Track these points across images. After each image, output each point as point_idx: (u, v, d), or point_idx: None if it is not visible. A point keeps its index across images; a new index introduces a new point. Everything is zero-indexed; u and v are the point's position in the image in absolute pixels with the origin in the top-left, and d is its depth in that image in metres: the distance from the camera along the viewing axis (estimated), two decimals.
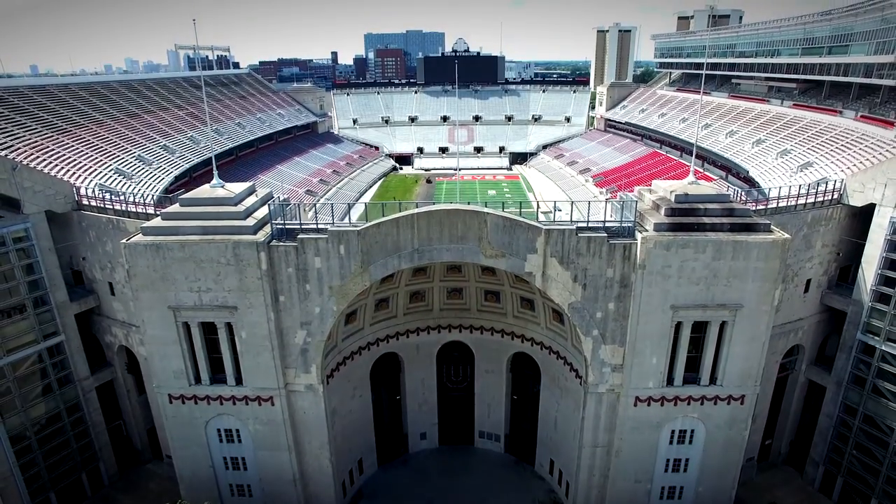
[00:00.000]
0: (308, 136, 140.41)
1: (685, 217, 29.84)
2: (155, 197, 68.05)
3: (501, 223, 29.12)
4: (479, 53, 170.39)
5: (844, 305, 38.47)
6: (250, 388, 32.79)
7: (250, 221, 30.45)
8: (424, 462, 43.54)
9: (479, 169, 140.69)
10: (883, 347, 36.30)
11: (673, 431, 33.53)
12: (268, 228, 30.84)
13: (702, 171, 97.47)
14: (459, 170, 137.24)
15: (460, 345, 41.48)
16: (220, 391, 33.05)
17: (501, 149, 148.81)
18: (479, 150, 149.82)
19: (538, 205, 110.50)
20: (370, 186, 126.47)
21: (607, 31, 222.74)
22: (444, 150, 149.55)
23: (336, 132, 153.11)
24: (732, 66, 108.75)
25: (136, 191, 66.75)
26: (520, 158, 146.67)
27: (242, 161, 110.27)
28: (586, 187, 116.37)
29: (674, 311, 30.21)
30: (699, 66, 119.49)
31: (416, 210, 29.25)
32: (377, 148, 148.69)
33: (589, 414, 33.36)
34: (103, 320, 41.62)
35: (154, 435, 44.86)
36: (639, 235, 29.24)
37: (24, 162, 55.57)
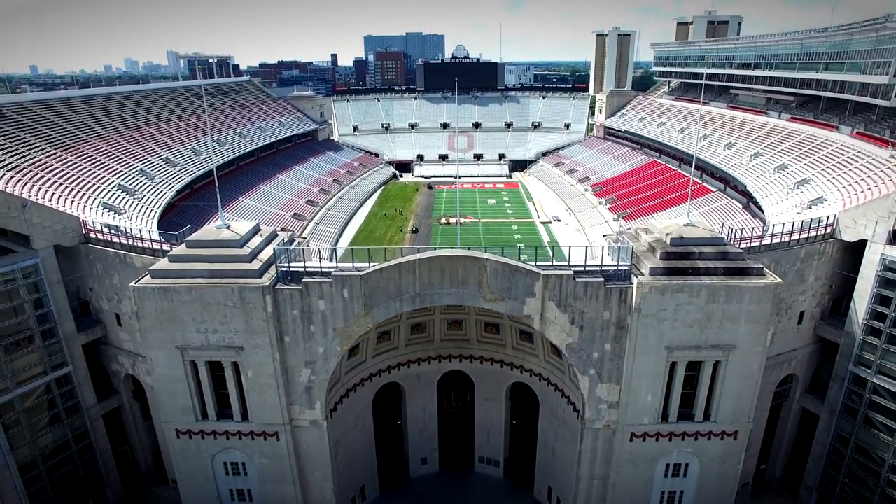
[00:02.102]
0: (308, 144, 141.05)
1: (680, 261, 30.61)
2: (157, 213, 69.14)
3: (501, 268, 29.84)
4: (478, 60, 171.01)
5: (837, 337, 39.28)
6: (256, 424, 33.60)
7: (256, 264, 31.20)
8: (425, 487, 44.37)
9: (478, 177, 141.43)
10: (874, 380, 37.13)
11: (668, 465, 34.38)
12: (273, 270, 31.58)
13: (700, 182, 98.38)
14: (459, 177, 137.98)
15: (460, 373, 42.28)
16: (227, 426, 33.86)
17: (501, 156, 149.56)
18: (478, 157, 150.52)
19: (538, 215, 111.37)
20: (370, 195, 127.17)
21: (606, 35, 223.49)
22: (443, 157, 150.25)
23: (336, 139, 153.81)
24: (731, 77, 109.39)
25: (138, 207, 67.69)
26: (519, 166, 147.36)
27: (243, 171, 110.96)
28: (586, 197, 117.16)
29: (668, 351, 31.01)
30: (698, 75, 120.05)
31: (417, 256, 29.97)
32: (377, 155, 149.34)
33: (586, 448, 34.18)
34: (110, 349, 42.39)
35: (159, 458, 45.71)
36: (635, 280, 30.01)
37: (30, 183, 56.61)
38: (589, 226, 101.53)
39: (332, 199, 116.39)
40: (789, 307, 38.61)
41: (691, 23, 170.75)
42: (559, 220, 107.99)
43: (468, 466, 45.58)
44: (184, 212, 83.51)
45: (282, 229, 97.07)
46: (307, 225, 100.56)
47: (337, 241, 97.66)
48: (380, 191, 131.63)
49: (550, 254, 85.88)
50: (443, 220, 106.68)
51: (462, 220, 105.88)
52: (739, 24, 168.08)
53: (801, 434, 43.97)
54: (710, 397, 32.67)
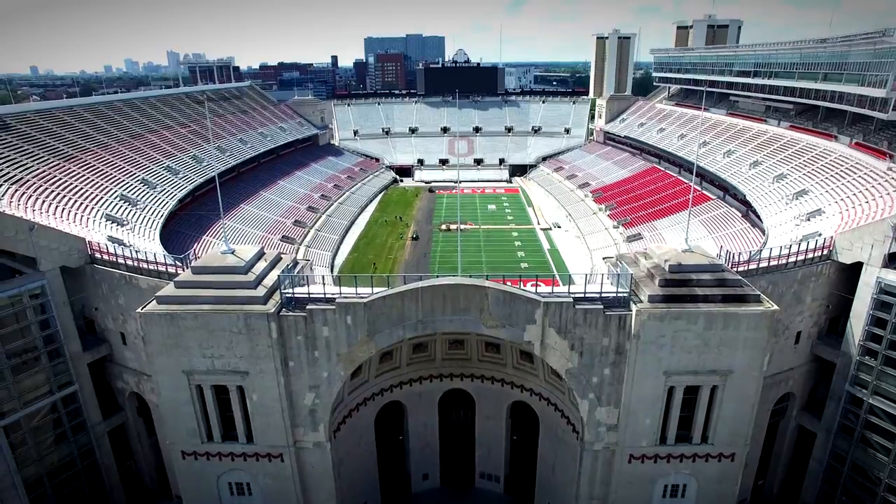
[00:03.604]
0: (309, 149, 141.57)
1: (678, 288, 31.07)
2: (159, 224, 69.63)
3: (502, 296, 30.32)
4: (479, 64, 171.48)
5: (833, 357, 39.78)
6: (260, 446, 34.09)
7: (260, 291, 31.65)
8: (427, 502, 44.91)
9: (479, 181, 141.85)
10: (870, 401, 37.64)
11: (666, 486, 34.87)
12: (277, 296, 32.03)
13: (700, 189, 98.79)
14: (459, 182, 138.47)
15: (462, 391, 42.77)
16: (232, 448, 34.35)
17: (501, 161, 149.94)
18: (479, 162, 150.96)
19: (538, 221, 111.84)
20: (371, 201, 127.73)
21: (606, 37, 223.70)
22: (444, 161, 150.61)
23: (337, 143, 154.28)
24: (730, 84, 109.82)
25: (141, 218, 68.20)
26: (519, 170, 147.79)
27: (244, 178, 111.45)
28: (585, 203, 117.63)
29: (667, 376, 31.50)
30: (698, 81, 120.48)
31: (420, 284, 30.45)
32: (378, 160, 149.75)
33: (585, 469, 34.70)
34: (115, 367, 42.90)
35: (164, 473, 46.20)
36: (634, 307, 30.48)
37: (35, 196, 57.19)
38: (589, 233, 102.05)
39: (333, 205, 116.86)
40: (786, 328, 39.11)
41: (691, 27, 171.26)
42: (559, 227, 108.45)
43: (469, 482, 46.10)
44: (186, 221, 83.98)
45: (283, 237, 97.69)
46: (308, 232, 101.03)
47: (337, 248, 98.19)
48: (380, 196, 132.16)
49: (552, 267, 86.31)
50: (443, 227, 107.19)
51: (462, 226, 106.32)
52: (739, 28, 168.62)
53: (798, 451, 44.49)
54: (707, 420, 33.15)
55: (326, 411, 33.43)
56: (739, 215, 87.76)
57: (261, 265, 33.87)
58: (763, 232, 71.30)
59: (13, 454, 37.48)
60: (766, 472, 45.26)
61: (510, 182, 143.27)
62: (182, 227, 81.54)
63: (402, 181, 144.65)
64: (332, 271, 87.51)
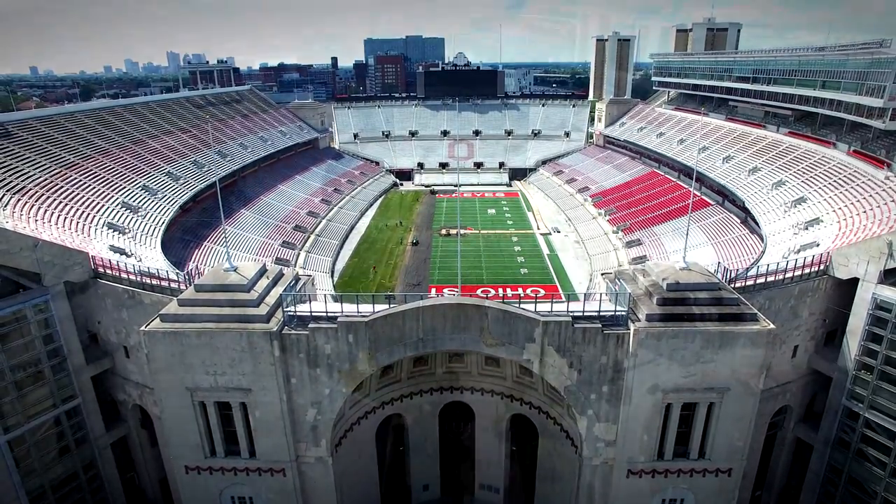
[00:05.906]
0: (309, 153, 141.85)
1: (676, 307, 31.42)
2: (160, 231, 70.01)
3: (501, 316, 30.69)
4: (478, 67, 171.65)
5: (830, 371, 40.16)
6: (263, 461, 34.44)
7: (263, 309, 32.00)
8: None
9: (478, 185, 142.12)
10: (866, 415, 38.03)
11: (664, 500, 35.22)
12: (279, 314, 32.38)
13: (699, 194, 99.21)
14: (459, 186, 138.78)
15: (462, 404, 43.12)
16: (235, 463, 34.69)
17: (501, 164, 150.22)
18: (478, 165, 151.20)
19: (538, 226, 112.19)
20: (371, 205, 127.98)
21: (606, 39, 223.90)
22: (444, 165, 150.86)
23: (337, 147, 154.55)
24: (729, 90, 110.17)
25: (142, 225, 68.58)
26: (519, 174, 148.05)
27: (244, 182, 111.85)
28: (585, 207, 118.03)
29: (664, 394, 31.86)
30: (697, 86, 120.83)
31: (421, 303, 30.82)
32: (378, 163, 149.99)
33: (584, 483, 35.10)
34: (118, 380, 43.24)
35: (166, 485, 46.53)
36: (632, 326, 30.85)
37: (37, 205, 57.55)
38: (588, 238, 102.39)
39: (333, 209, 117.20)
40: (783, 342, 39.47)
41: (690, 30, 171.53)
42: (559, 232, 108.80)
43: (469, 492, 46.44)
44: (187, 226, 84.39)
45: (284, 243, 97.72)
46: (309, 237, 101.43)
47: (338, 253, 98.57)
48: (380, 200, 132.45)
49: (552, 273, 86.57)
50: (443, 232, 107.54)
51: (462, 231, 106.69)
52: (738, 31, 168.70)
53: (795, 462, 44.90)
54: (704, 436, 33.49)
55: (328, 427, 33.79)
56: (738, 221, 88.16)
57: (263, 282, 34.21)
58: (762, 239, 71.71)
59: (17, 467, 37.80)
60: (764, 483, 45.64)
61: (510, 186, 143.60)
62: (183, 234, 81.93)
63: (402, 185, 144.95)
64: (332, 277, 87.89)
